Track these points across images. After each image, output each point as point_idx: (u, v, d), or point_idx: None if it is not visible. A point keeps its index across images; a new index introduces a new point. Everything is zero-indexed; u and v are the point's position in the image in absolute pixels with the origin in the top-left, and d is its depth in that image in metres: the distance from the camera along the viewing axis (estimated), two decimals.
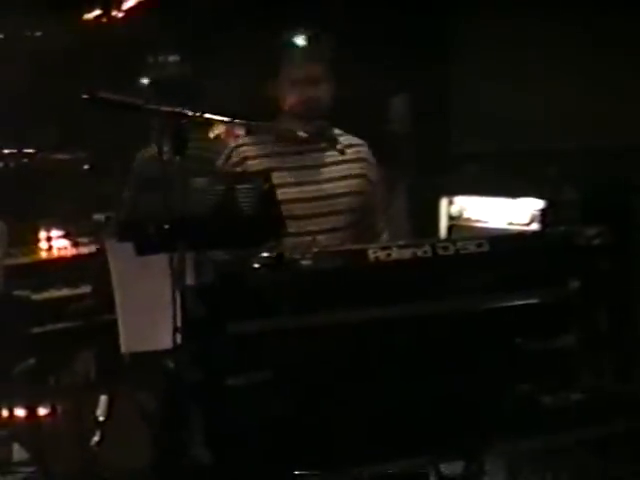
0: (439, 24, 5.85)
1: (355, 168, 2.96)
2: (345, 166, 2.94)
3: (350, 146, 2.98)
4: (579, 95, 5.04)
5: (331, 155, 2.94)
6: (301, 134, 2.85)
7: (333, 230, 2.86)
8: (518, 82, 5.28)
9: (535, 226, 3.95)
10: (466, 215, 4.28)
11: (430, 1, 5.76)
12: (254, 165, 2.88)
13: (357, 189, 2.93)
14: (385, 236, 3.01)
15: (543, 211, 3.97)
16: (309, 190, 2.88)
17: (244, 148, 2.93)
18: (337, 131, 3.01)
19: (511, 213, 4.07)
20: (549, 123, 5.10)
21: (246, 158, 2.90)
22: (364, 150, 3.01)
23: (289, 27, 2.95)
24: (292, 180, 2.86)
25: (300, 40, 2.87)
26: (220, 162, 2.95)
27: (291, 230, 2.69)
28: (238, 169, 2.87)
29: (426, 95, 5.56)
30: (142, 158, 3.44)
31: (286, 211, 2.72)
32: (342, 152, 2.92)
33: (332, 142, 2.93)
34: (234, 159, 2.91)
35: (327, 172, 2.92)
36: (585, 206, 3.97)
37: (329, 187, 2.90)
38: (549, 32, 5.20)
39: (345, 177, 2.94)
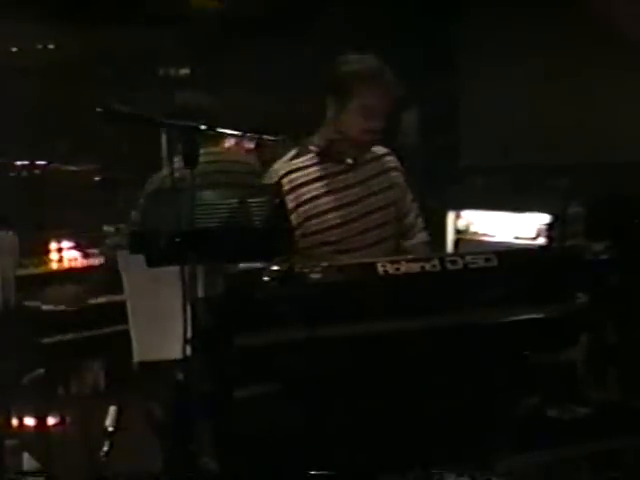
0: (448, 37, 5.89)
1: (390, 178, 3.02)
2: (383, 177, 2.99)
3: (382, 156, 3.04)
4: (588, 110, 5.06)
5: (370, 168, 2.99)
6: (349, 161, 2.93)
7: (379, 242, 2.92)
8: (527, 96, 5.30)
9: (541, 240, 3.96)
10: (473, 229, 4.30)
11: (439, 15, 5.79)
12: (304, 193, 2.89)
13: (395, 198, 2.99)
14: (425, 234, 3.06)
15: (549, 225, 3.99)
16: (355, 210, 2.91)
17: (293, 176, 2.91)
18: (378, 150, 3.04)
19: (518, 227, 4.09)
20: (558, 138, 5.12)
21: (291, 190, 2.89)
22: (393, 159, 3.06)
23: (345, 48, 2.94)
24: (337, 204, 2.90)
25: (373, 72, 2.86)
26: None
27: (342, 247, 2.82)
28: (289, 197, 2.85)
29: (434, 109, 5.59)
30: (152, 183, 3.41)
31: (333, 235, 2.84)
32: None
33: (374, 160, 3.00)
34: (285, 187, 2.88)
35: (368, 187, 2.95)
36: (591, 220, 3.99)
37: (372, 202, 2.94)
38: (560, 47, 5.23)
39: (384, 189, 2.99)
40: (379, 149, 3.04)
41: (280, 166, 2.95)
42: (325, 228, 2.88)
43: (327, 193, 2.90)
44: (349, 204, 2.91)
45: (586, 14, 5.00)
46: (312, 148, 2.96)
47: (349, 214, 2.90)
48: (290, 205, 2.83)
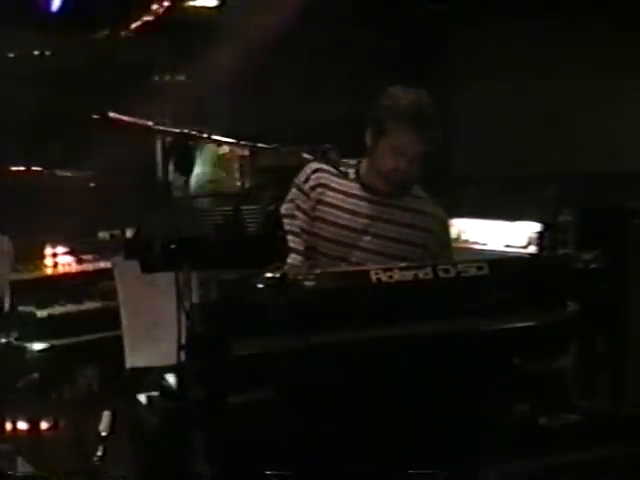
0: (440, 46, 5.91)
1: (418, 237, 2.92)
2: (410, 231, 2.91)
3: (422, 212, 2.96)
4: (579, 119, 5.10)
5: (402, 216, 2.92)
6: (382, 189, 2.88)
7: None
8: (519, 104, 5.33)
9: (532, 249, 3.98)
10: (464, 237, 4.32)
11: (431, 24, 5.81)
12: (328, 196, 2.91)
13: (410, 256, 2.87)
14: None
15: (540, 234, 4.01)
16: (365, 240, 2.89)
17: (323, 174, 2.94)
18: (419, 192, 3.00)
19: (509, 236, 4.10)
20: (548, 147, 5.15)
21: (321, 185, 2.93)
22: (433, 222, 2.96)
23: (386, 82, 2.89)
24: (348, 224, 2.89)
25: (408, 111, 2.79)
26: (299, 180, 2.96)
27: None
28: (313, 194, 2.91)
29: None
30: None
31: (335, 251, 2.85)
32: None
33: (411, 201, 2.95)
34: (311, 182, 2.93)
35: (389, 230, 2.90)
36: (581, 229, 4.02)
37: (384, 244, 2.89)
38: (552, 54, 5.26)
39: (403, 241, 2.91)
40: (428, 205, 2.97)
41: (317, 164, 2.94)
42: (325, 237, 2.90)
43: (346, 210, 2.91)
44: (356, 230, 2.89)
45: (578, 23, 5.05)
46: (353, 164, 2.95)
47: (355, 239, 2.88)
48: (312, 198, 2.89)
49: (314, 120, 4.94)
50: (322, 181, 2.94)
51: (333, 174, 2.93)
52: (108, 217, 4.49)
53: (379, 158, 2.87)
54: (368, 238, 2.89)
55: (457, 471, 2.29)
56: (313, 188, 2.93)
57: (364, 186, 2.94)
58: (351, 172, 2.97)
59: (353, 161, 2.99)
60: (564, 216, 4.01)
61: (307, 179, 2.95)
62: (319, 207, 2.92)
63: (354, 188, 2.94)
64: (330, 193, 2.93)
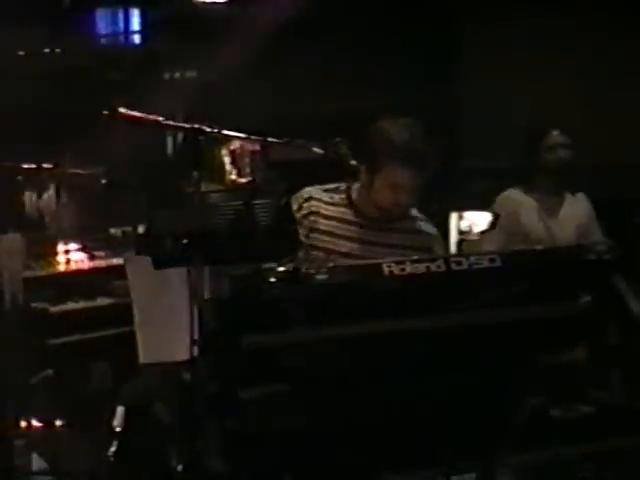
0: (445, 41, 5.90)
1: (422, 240, 2.93)
2: (407, 252, 2.87)
3: (417, 232, 2.96)
4: (585, 111, 5.09)
5: (397, 238, 2.92)
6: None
7: None
8: (529, 98, 5.32)
9: None
10: (476, 230, 4.31)
11: (436, 19, 5.81)
12: (322, 224, 2.91)
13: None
14: None
15: None
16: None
17: (314, 203, 2.95)
18: (416, 213, 2.99)
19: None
20: None
21: (313, 213, 2.93)
22: (430, 241, 2.96)
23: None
24: (345, 250, 2.88)
25: (404, 149, 2.76)
26: (292, 209, 2.93)
27: None
28: (305, 222, 2.92)
29: (436, 107, 5.59)
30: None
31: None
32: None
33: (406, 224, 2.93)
34: (304, 211, 2.94)
35: (386, 254, 2.84)
36: None
37: (385, 253, 2.83)
38: (557, 49, 5.25)
39: (407, 247, 2.89)
40: (425, 225, 2.97)
41: (312, 189, 2.97)
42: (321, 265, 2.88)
43: (340, 237, 2.91)
44: (350, 255, 2.87)
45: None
46: (343, 189, 2.95)
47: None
48: (304, 226, 2.89)
49: (330, 114, 4.94)
50: (313, 209, 2.94)
51: (325, 202, 2.94)
52: (120, 213, 4.50)
53: (375, 193, 2.86)
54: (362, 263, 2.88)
55: (472, 463, 2.29)
56: (305, 217, 2.93)
57: (357, 212, 2.93)
58: (341, 197, 2.96)
59: (343, 186, 2.99)
60: None
61: (300, 208, 2.96)
62: (312, 235, 2.92)
63: (347, 214, 2.94)
64: (323, 221, 2.93)
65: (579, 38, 5.22)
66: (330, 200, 2.95)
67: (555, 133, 3.91)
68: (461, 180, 5.35)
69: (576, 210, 3.98)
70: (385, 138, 2.81)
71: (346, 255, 2.87)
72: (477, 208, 4.26)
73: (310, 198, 2.95)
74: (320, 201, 2.95)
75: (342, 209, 2.94)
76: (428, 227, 3.00)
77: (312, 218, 2.93)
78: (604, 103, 5.10)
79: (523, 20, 5.37)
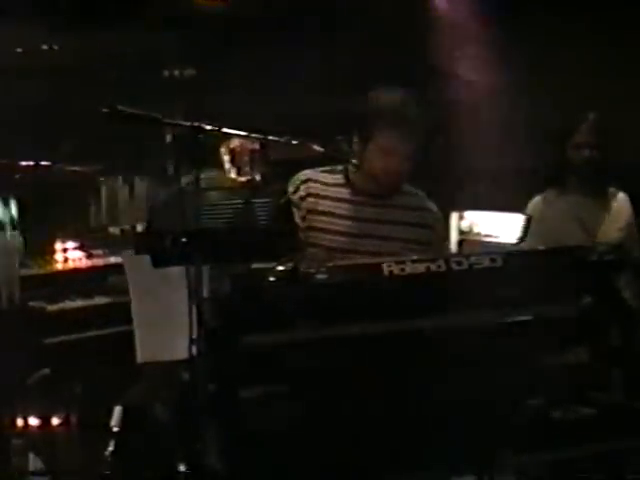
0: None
1: (416, 233, 2.91)
2: (407, 228, 2.90)
3: (418, 209, 2.95)
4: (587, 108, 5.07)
5: (396, 214, 2.91)
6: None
7: None
8: (530, 97, 5.30)
9: None
10: (476, 230, 4.30)
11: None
12: (320, 204, 2.90)
13: (410, 254, 2.79)
14: None
15: None
16: (363, 243, 2.86)
17: (311, 184, 2.94)
18: (412, 189, 2.98)
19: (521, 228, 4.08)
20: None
21: (312, 195, 2.93)
22: (431, 218, 2.96)
23: (378, 83, 2.86)
24: (345, 230, 2.88)
25: (393, 112, 2.78)
26: (288, 191, 2.95)
27: None
28: (303, 204, 2.91)
29: (438, 111, 5.58)
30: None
31: (334, 258, 2.75)
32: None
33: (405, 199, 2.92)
34: (301, 193, 2.93)
35: (386, 230, 2.88)
36: None
37: (383, 244, 2.86)
38: (554, 49, 5.24)
39: (402, 240, 2.88)
40: (422, 201, 2.96)
41: (309, 172, 2.97)
42: (321, 246, 2.88)
43: (340, 216, 2.90)
44: (351, 234, 2.87)
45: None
46: (340, 170, 2.95)
47: (350, 244, 2.86)
48: (302, 208, 2.88)
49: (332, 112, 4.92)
50: (312, 190, 2.93)
51: (322, 182, 2.94)
52: (118, 211, 4.49)
53: (368, 162, 2.86)
54: (366, 241, 2.87)
55: (473, 464, 2.27)
56: (303, 198, 2.93)
57: (355, 190, 2.93)
58: (340, 177, 2.96)
59: (339, 167, 2.99)
60: None
61: (296, 190, 2.95)
62: (311, 217, 2.91)
63: (345, 193, 2.94)
64: (321, 201, 2.92)
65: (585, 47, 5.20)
66: (328, 181, 2.95)
67: (581, 132, 3.82)
68: (462, 180, 5.35)
69: (617, 212, 3.84)
70: (375, 104, 2.84)
71: (345, 234, 2.87)
72: (478, 208, 4.25)
73: (308, 180, 2.95)
74: (318, 182, 2.95)
75: (340, 189, 2.94)
76: (429, 204, 2.99)
77: (310, 199, 2.92)
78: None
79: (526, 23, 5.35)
